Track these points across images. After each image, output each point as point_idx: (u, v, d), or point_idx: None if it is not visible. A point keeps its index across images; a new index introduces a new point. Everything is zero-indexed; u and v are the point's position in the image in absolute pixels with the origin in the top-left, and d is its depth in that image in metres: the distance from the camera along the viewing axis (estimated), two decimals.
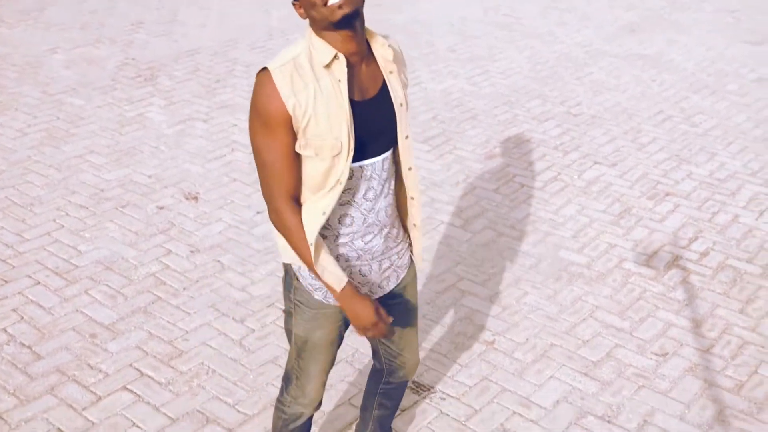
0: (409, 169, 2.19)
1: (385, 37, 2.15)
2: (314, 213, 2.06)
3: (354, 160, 2.05)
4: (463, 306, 3.58)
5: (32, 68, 5.93)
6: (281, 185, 2.04)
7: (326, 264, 2.06)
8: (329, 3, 1.89)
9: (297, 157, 2.03)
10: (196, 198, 4.32)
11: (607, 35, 7.08)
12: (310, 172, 2.05)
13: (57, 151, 4.77)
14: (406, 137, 2.15)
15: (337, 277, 2.05)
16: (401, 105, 2.12)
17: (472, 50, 6.61)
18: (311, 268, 2.06)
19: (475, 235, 4.11)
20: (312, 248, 2.04)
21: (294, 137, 2.00)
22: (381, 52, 2.09)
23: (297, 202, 2.07)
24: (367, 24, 2.10)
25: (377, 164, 2.10)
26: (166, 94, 5.56)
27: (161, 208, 4.23)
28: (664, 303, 3.63)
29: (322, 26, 1.96)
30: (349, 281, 2.06)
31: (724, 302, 3.65)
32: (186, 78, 5.84)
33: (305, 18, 1.99)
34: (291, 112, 1.96)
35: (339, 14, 1.90)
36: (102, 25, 6.79)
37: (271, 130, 1.99)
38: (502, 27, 7.18)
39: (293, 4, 2.00)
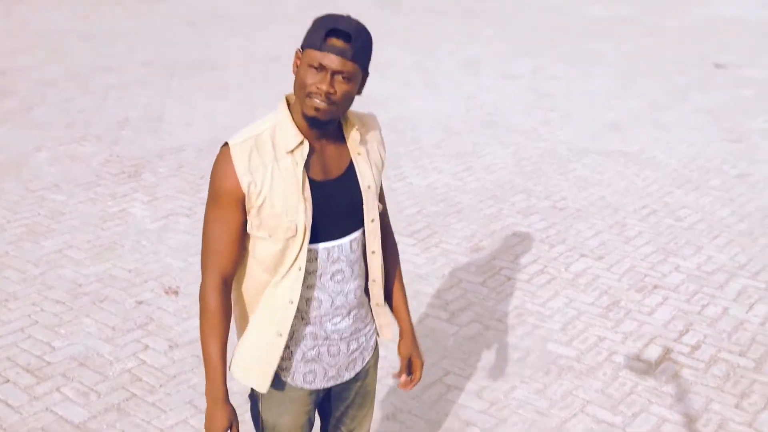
0: (372, 252, 2.12)
1: (366, 116, 2.13)
2: (281, 303, 2.00)
3: (317, 241, 1.99)
4: (449, 401, 3.46)
5: (15, 166, 5.91)
6: (216, 261, 1.98)
7: (214, 354, 2.00)
8: (311, 100, 1.88)
9: (241, 238, 1.97)
10: (176, 292, 4.23)
11: (590, 133, 7.18)
12: (262, 253, 1.98)
13: (36, 246, 4.70)
14: (372, 220, 2.08)
15: (216, 372, 2.01)
16: (369, 187, 2.06)
17: (457, 146, 6.66)
18: (204, 353, 2.00)
19: (462, 328, 4.01)
20: (278, 347, 2.02)
21: (243, 217, 1.95)
22: (351, 133, 2.05)
23: (226, 284, 2.00)
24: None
25: (344, 246, 2.04)
26: (150, 190, 5.54)
27: (140, 302, 4.13)
28: (657, 397, 3.52)
29: (298, 98, 1.94)
30: (225, 384, 2.03)
31: (718, 396, 3.55)
32: (170, 174, 5.83)
33: (295, 73, 1.96)
34: (245, 190, 1.91)
35: (311, 113, 1.90)
36: (88, 123, 6.83)
37: (222, 205, 1.94)
38: (487, 125, 7.27)
39: (296, 52, 1.98)
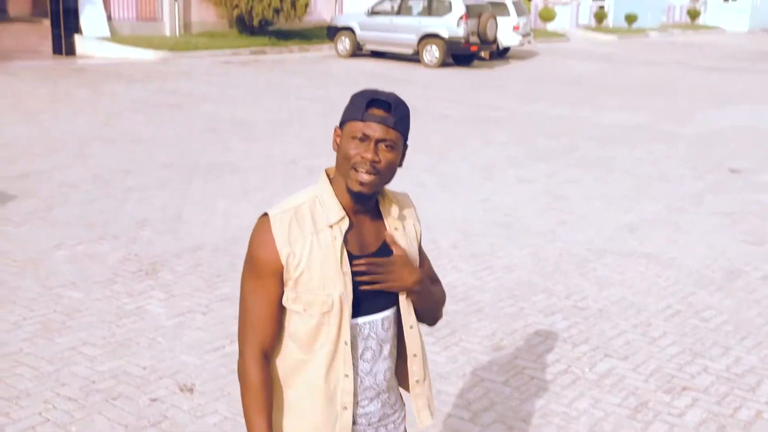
0: (410, 327, 2.08)
1: (399, 194, 2.14)
2: (335, 378, 1.98)
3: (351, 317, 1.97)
4: None
5: (33, 263, 5.90)
6: (256, 334, 1.95)
7: (262, 430, 1.93)
8: (357, 173, 1.90)
9: (280, 311, 1.96)
10: (191, 390, 4.13)
11: (608, 234, 7.15)
12: (297, 329, 1.96)
13: (50, 343, 4.63)
14: (407, 296, 2.05)
15: None
16: None
17: (474, 247, 6.63)
18: (250, 429, 1.93)
19: (485, 429, 3.87)
20: (347, 421, 1.97)
21: (282, 288, 1.94)
22: (388, 209, 2.07)
23: (267, 358, 1.97)
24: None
25: (376, 323, 2.01)
26: (167, 288, 5.50)
27: (154, 400, 4.02)
28: None
29: (341, 173, 1.96)
30: None
31: None
32: (187, 272, 5.80)
33: (336, 150, 1.99)
34: (284, 262, 1.91)
35: (356, 188, 1.92)
36: (107, 223, 6.86)
37: (261, 276, 1.93)
38: (503, 226, 7.26)
39: (335, 129, 2.00)
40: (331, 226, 1.94)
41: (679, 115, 14.34)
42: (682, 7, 47.39)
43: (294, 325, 1.96)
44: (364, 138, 1.90)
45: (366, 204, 1.99)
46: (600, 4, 38.50)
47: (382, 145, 1.91)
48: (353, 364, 1.98)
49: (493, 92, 16.40)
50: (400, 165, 1.99)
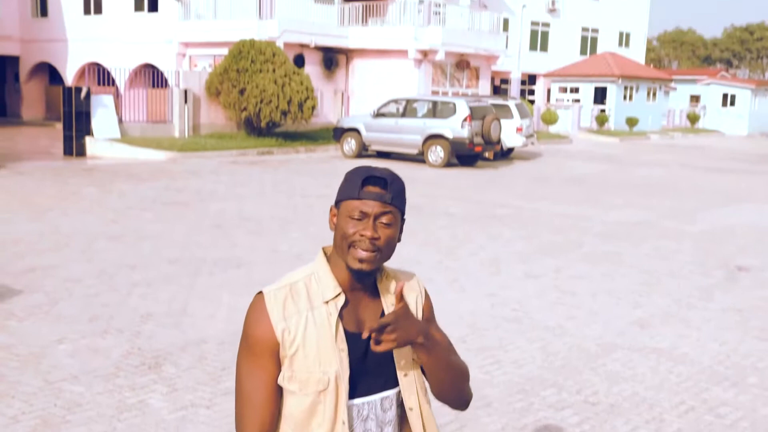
0: (410, 409, 2.00)
1: (404, 273, 2.10)
2: None
3: (349, 398, 1.91)
4: None
5: (35, 357, 5.82)
6: (255, 417, 1.88)
7: None
8: (356, 250, 1.88)
9: (278, 392, 1.91)
10: None
11: (617, 329, 7.05)
12: (292, 409, 1.90)
13: None
14: (405, 375, 1.99)
15: None
16: None
17: (483, 341, 6.54)
18: None
19: None
20: None
21: (279, 368, 1.89)
22: (386, 286, 2.02)
23: None
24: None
25: (375, 403, 1.95)
26: (170, 382, 5.40)
27: None
28: None
29: (339, 253, 1.93)
30: None
31: None
32: (191, 366, 5.71)
33: (332, 230, 1.97)
34: (279, 338, 1.87)
35: (356, 266, 1.90)
36: (111, 317, 6.80)
37: (257, 356, 1.89)
38: (511, 320, 7.18)
39: (331, 208, 1.99)
40: (326, 302, 1.91)
41: (684, 213, 14.40)
42: (682, 112, 48.32)
43: (289, 406, 1.91)
44: (362, 216, 1.89)
45: (365, 282, 1.96)
46: (601, 107, 39.29)
47: (380, 222, 1.90)
48: None
49: (498, 191, 16.54)
50: (399, 240, 1.97)
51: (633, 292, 8.42)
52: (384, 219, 1.90)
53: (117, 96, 22.08)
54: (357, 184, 1.91)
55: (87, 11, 31.45)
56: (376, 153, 22.21)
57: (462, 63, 29.06)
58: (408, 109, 21.25)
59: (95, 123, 20.64)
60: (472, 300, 7.82)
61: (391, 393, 1.97)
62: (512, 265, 9.42)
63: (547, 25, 43.84)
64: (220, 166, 18.42)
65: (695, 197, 16.75)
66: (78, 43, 31.23)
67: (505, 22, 37.44)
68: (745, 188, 19.09)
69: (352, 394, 1.92)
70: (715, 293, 8.53)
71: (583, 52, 45.39)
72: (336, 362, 1.88)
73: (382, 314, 1.99)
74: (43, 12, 33.63)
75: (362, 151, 21.75)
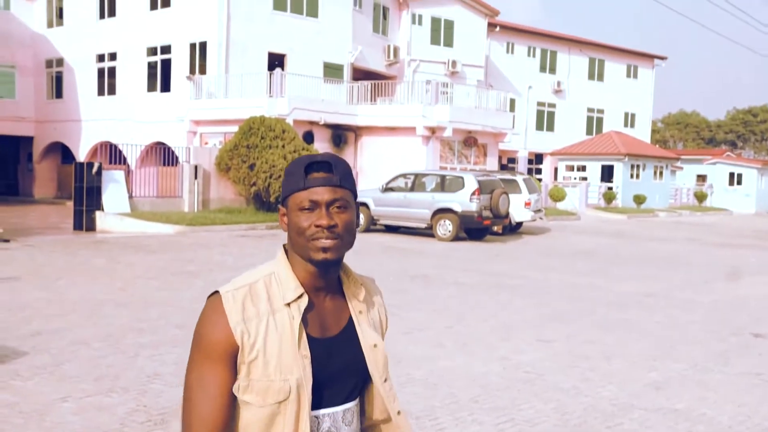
0: (398, 413, 1.89)
1: (365, 278, 1.99)
2: None
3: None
4: None
5: (39, 415, 5.70)
6: (201, 431, 1.71)
7: None
8: (317, 239, 1.76)
9: (230, 403, 1.74)
10: None
11: (633, 391, 6.89)
12: (247, 421, 1.74)
13: None
14: (385, 380, 1.87)
15: None
16: (375, 346, 1.86)
17: (496, 401, 6.38)
18: None
19: None
20: None
21: (233, 375, 1.73)
22: (352, 290, 1.90)
23: None
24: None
25: (337, 415, 1.81)
26: None
27: None
28: None
29: (298, 251, 1.81)
30: None
31: None
32: None
33: (286, 231, 1.83)
34: (239, 342, 1.72)
35: (320, 257, 1.77)
36: (117, 377, 6.69)
37: (211, 361, 1.73)
38: (524, 381, 7.03)
39: (279, 208, 1.86)
40: (288, 305, 1.78)
41: (695, 284, 14.27)
42: (689, 190, 48.50)
43: (245, 419, 1.75)
44: (313, 205, 1.77)
45: (330, 275, 1.83)
46: (608, 185, 39.48)
47: (333, 207, 1.77)
48: None
49: (507, 263, 16.47)
50: (358, 225, 1.85)
51: (647, 356, 8.27)
52: (337, 203, 1.78)
53: (128, 172, 22.33)
54: (300, 173, 1.78)
55: (101, 92, 32.11)
56: (384, 227, 22.24)
57: (469, 140, 29.38)
58: (416, 184, 21.37)
59: (106, 198, 20.80)
60: (484, 362, 7.68)
61: (352, 405, 1.85)
62: (523, 331, 9.29)
63: (553, 105, 44.49)
64: (229, 239, 18.44)
65: (706, 270, 16.63)
66: (91, 123, 31.79)
67: (512, 102, 38.01)
68: (757, 263, 18.97)
69: (315, 405, 1.78)
70: (732, 358, 8.36)
71: (589, 131, 45.92)
72: (298, 370, 1.73)
73: (350, 319, 1.87)
74: (59, 94, 34.36)
75: (371, 225, 21.80)
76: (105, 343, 7.91)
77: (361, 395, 1.89)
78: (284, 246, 1.88)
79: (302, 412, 1.73)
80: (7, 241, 16.79)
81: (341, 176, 1.80)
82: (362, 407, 1.90)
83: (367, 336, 1.87)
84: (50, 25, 34.52)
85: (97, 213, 20.49)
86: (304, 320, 1.79)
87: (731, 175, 49.24)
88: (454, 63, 36.04)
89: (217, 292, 1.80)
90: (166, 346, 7.83)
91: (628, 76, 48.53)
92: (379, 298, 1.99)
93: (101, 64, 32.06)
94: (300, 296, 1.79)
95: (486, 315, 10.25)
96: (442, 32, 36.58)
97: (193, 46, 28.28)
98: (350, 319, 1.87)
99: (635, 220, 34.34)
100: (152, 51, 29.85)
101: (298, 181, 1.78)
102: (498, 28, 40.21)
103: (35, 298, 10.19)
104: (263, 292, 1.79)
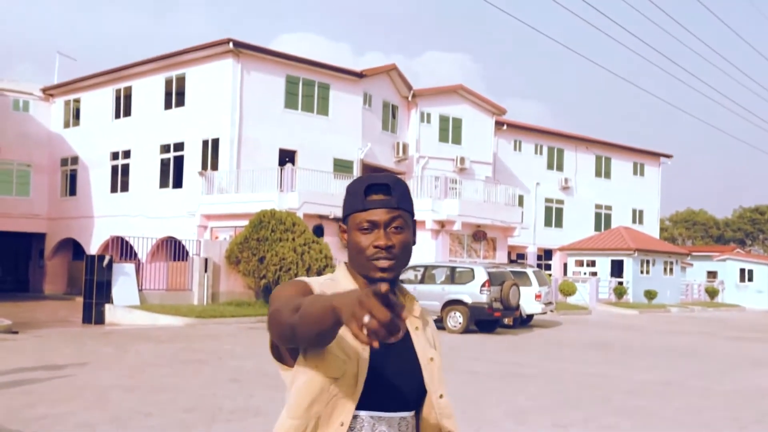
0: (441, 396, 1.93)
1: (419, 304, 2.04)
2: None
3: (363, 407, 1.78)
4: None
5: None
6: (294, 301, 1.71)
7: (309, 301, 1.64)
8: (375, 259, 1.83)
9: None
10: None
11: None
12: (299, 390, 1.80)
13: None
14: (441, 396, 1.91)
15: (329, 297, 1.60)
16: (431, 360, 1.91)
17: None
18: (311, 313, 1.58)
19: None
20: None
21: None
22: (408, 306, 1.95)
23: None
24: None
25: (392, 421, 1.82)
26: None
27: None
28: None
29: (357, 268, 1.88)
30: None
31: None
32: None
33: (346, 247, 1.92)
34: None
35: (378, 275, 1.84)
36: None
37: (297, 289, 1.80)
38: None
39: (339, 226, 1.93)
40: None
41: (712, 374, 13.99)
42: (700, 286, 48.17)
43: (296, 387, 1.81)
44: (371, 226, 1.84)
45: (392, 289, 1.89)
46: (619, 280, 39.29)
47: (391, 228, 1.85)
48: None
49: (520, 353, 16.23)
50: (414, 243, 1.92)
51: None
52: (394, 224, 1.85)
53: (138, 266, 22.39)
54: (360, 194, 1.86)
55: (114, 189, 32.55)
56: None
57: (479, 234, 29.47)
58: (426, 275, 21.32)
59: (116, 291, 20.79)
60: None
61: (408, 415, 1.86)
62: (539, 416, 9.07)
63: (561, 202, 44.78)
64: (238, 332, 18.29)
65: (722, 362, 16.33)
66: (103, 219, 32.09)
67: (520, 198, 38.29)
68: None
69: (370, 405, 1.80)
70: None
71: (597, 228, 46.03)
72: (355, 358, 1.77)
73: (407, 333, 1.91)
74: (72, 191, 34.84)
75: None
76: (111, 426, 7.76)
77: (418, 409, 1.90)
78: (345, 263, 1.96)
79: (348, 400, 1.76)
80: (15, 332, 16.71)
81: (399, 198, 1.87)
82: (418, 421, 1.92)
83: (424, 349, 1.91)
84: (67, 125, 35.32)
85: (107, 306, 20.43)
86: None
87: (742, 271, 48.99)
88: (462, 160, 36.52)
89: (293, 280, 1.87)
90: (173, 429, 7.67)
91: (635, 173, 48.98)
92: (431, 322, 2.04)
93: (115, 162, 32.61)
94: None
95: (500, 400, 10.03)
96: (451, 130, 37.23)
97: (205, 142, 28.81)
98: (407, 333, 1.91)
99: (647, 315, 33.99)
100: (165, 148, 30.40)
101: (357, 202, 1.87)
102: (505, 127, 40.91)
103: (40, 384, 10.05)
104: (331, 287, 1.86)
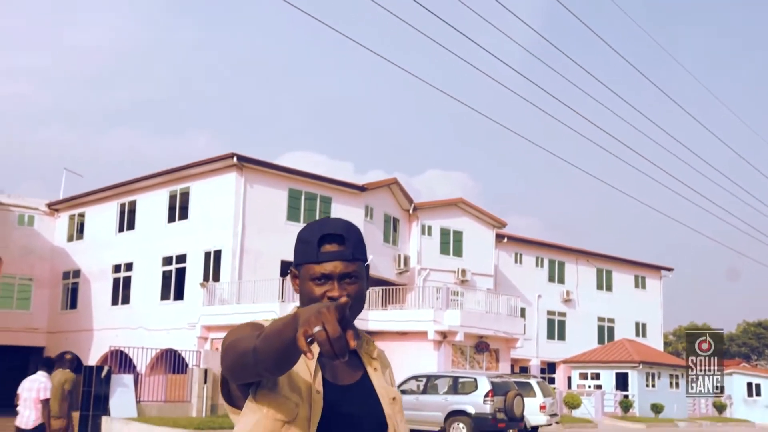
0: None
1: (379, 349, 2.05)
2: None
3: None
4: None
5: None
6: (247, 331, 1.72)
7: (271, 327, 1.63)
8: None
9: None
10: None
11: None
12: (247, 430, 1.76)
13: None
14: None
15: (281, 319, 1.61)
16: (394, 399, 1.90)
17: None
18: (271, 338, 1.59)
19: None
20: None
21: None
22: (365, 348, 1.95)
23: None
24: None
25: None
26: None
27: None
28: None
29: None
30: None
31: None
32: None
33: (297, 293, 1.90)
34: None
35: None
36: None
37: (252, 325, 1.77)
38: None
39: (290, 271, 1.93)
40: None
41: None
42: (708, 400, 47.27)
43: (250, 426, 1.78)
44: (325, 279, 1.82)
45: None
46: (624, 393, 38.63)
47: (345, 280, 1.83)
48: None
49: None
50: (366, 288, 1.91)
51: None
52: (349, 277, 1.83)
53: (137, 378, 22.11)
54: (313, 244, 1.84)
55: (115, 302, 32.51)
56: None
57: (481, 345, 29.23)
58: (429, 386, 21.04)
59: (113, 402, 20.45)
60: None
61: None
62: None
63: (563, 314, 44.59)
64: None
65: None
66: (103, 332, 31.90)
67: (522, 310, 38.14)
68: None
69: None
70: None
71: (600, 340, 45.60)
72: (307, 401, 1.75)
73: (364, 375, 1.90)
74: (73, 305, 34.77)
75: None
76: None
77: None
78: (297, 307, 1.91)
79: None
80: None
81: (353, 248, 1.85)
82: None
83: (385, 389, 1.90)
84: (70, 239, 35.61)
85: (103, 418, 20.05)
86: (320, 362, 1.81)
87: (749, 385, 48.18)
88: (463, 272, 36.62)
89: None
90: None
91: (636, 286, 48.95)
92: (388, 364, 2.01)
93: (117, 275, 32.71)
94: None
95: None
96: (452, 243, 37.50)
97: (207, 254, 28.99)
98: (365, 373, 1.90)
99: (655, 429, 33.26)
100: (168, 260, 30.57)
101: (311, 252, 1.84)
102: (506, 239, 41.21)
103: None
104: None
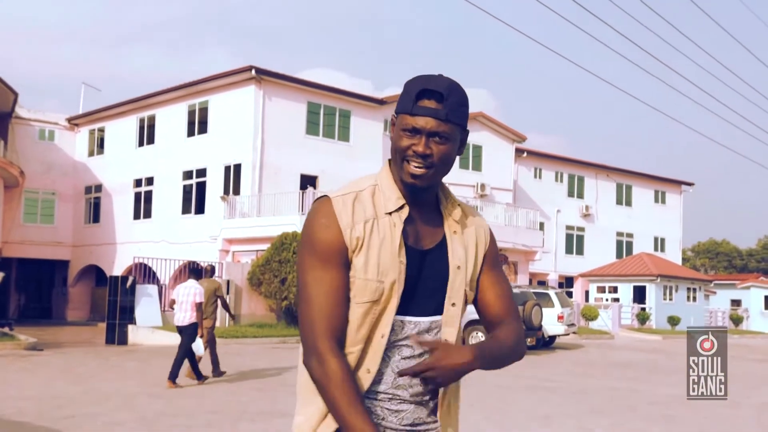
0: (446, 341, 1.86)
1: (475, 211, 2.04)
2: (357, 371, 1.82)
3: (400, 314, 1.84)
4: None
5: None
6: (326, 324, 1.78)
7: (363, 425, 1.72)
8: (408, 165, 1.84)
9: (346, 299, 1.81)
10: None
11: None
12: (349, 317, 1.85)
13: None
14: (453, 305, 1.90)
15: None
16: (458, 268, 1.90)
17: None
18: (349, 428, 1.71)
19: None
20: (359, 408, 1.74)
21: (347, 272, 1.81)
22: (449, 209, 1.95)
23: (342, 347, 1.79)
24: None
25: (422, 325, 1.86)
26: None
27: None
28: None
29: (395, 164, 1.89)
30: None
31: None
32: None
33: (391, 140, 1.93)
34: (348, 242, 1.80)
35: (409, 180, 1.85)
36: None
37: (324, 261, 1.80)
38: None
39: (391, 117, 1.94)
40: (390, 213, 1.85)
41: (741, 390, 13.81)
42: (724, 313, 47.62)
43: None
44: (415, 131, 1.81)
45: (422, 197, 1.89)
46: (641, 306, 38.95)
47: (434, 138, 1.81)
48: (383, 359, 1.82)
49: (543, 370, 16.13)
50: (460, 153, 1.89)
51: None
52: (439, 136, 1.81)
53: (161, 289, 22.50)
54: (411, 97, 1.81)
55: (137, 216, 32.84)
56: None
57: (500, 257, 29.44)
58: None
59: (138, 311, 20.91)
60: None
61: (439, 318, 1.89)
62: (564, 420, 9.02)
63: (582, 229, 44.62)
64: (260, 351, 18.32)
65: (750, 379, 16.13)
66: (126, 246, 32.35)
67: (541, 225, 38.20)
68: None
69: (403, 310, 1.84)
70: None
71: (618, 255, 45.72)
72: (394, 273, 1.80)
73: (443, 238, 1.92)
74: (96, 219, 35.18)
75: None
76: (139, 424, 7.81)
77: None
78: (389, 160, 1.93)
79: (387, 313, 1.81)
80: (40, 350, 16.84)
81: (450, 110, 1.81)
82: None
83: (455, 255, 1.91)
84: (91, 154, 35.78)
85: (130, 326, 20.54)
86: (404, 230, 1.85)
87: (766, 298, 48.43)
88: (483, 186, 36.55)
89: (326, 196, 1.86)
90: (199, 428, 7.71)
91: (656, 201, 48.76)
92: (481, 221, 2.01)
93: (138, 189, 32.95)
94: (401, 207, 1.86)
95: (525, 407, 9.99)
96: (471, 157, 37.31)
97: (227, 168, 29.07)
98: (444, 237, 1.92)
99: (671, 341, 33.61)
100: (188, 174, 30.71)
101: (407, 103, 1.82)
102: (525, 154, 40.96)
103: (67, 391, 10.13)
104: (368, 200, 1.86)
